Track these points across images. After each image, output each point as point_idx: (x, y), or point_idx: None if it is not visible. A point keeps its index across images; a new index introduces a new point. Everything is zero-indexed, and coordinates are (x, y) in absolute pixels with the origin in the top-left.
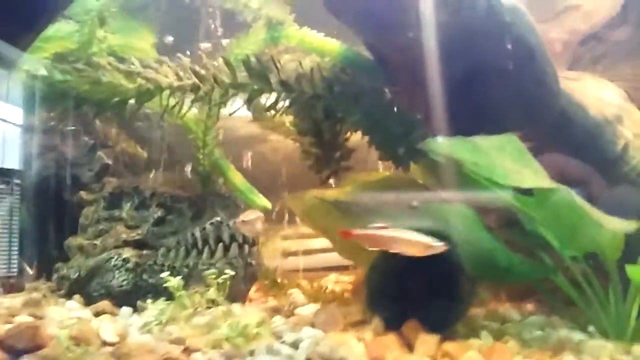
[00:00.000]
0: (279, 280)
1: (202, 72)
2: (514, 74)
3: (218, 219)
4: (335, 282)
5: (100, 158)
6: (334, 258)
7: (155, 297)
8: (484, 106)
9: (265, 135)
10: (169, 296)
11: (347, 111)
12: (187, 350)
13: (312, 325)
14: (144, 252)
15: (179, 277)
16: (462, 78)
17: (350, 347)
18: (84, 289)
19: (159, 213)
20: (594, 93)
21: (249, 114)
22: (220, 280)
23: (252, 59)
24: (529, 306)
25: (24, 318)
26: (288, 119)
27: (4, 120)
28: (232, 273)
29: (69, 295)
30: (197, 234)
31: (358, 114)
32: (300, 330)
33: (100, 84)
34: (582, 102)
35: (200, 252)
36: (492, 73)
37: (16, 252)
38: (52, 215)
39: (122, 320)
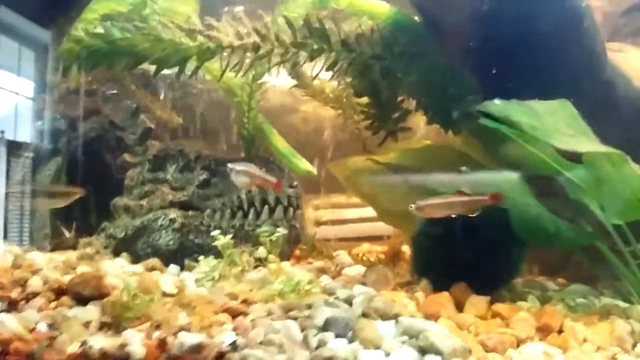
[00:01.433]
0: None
1: (263, 31)
2: (563, 39)
3: None
4: (368, 252)
5: (143, 122)
6: (366, 228)
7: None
8: (532, 71)
9: (296, 106)
10: (216, 256)
11: (405, 72)
12: (246, 302)
13: (363, 284)
14: (190, 213)
15: (228, 236)
16: (511, 42)
17: (403, 304)
18: (130, 247)
19: (204, 175)
20: (637, 65)
21: (281, 84)
22: (273, 238)
23: (313, 19)
24: (560, 280)
25: (84, 269)
26: (328, 86)
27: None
28: (285, 232)
29: (115, 254)
30: (243, 196)
31: (415, 74)
32: (351, 287)
33: (161, 41)
34: (627, 74)
35: (245, 214)
36: (540, 38)
37: (54, 215)
38: (92, 179)
39: (172, 277)
